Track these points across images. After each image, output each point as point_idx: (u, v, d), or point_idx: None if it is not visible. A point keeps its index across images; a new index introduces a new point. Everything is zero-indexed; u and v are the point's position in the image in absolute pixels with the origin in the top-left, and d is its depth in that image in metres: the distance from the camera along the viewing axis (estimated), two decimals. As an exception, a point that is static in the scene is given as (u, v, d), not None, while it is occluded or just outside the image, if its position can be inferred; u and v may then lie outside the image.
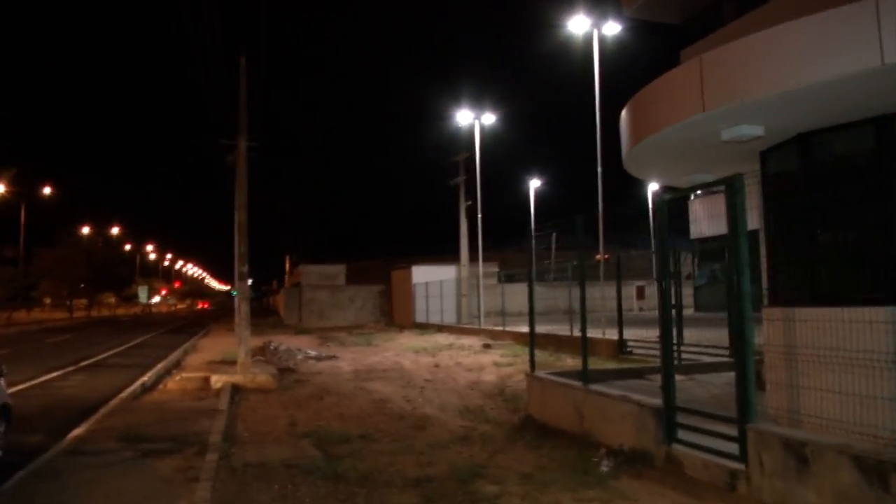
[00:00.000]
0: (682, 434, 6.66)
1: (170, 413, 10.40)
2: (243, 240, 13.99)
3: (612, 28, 19.21)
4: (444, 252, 45.57)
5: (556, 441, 8.19)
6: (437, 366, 17.54)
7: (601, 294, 24.53)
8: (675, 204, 7.73)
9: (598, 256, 19.04)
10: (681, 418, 6.73)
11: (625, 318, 19.49)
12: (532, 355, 10.23)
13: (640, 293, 46.15)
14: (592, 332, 19.42)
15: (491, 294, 31.14)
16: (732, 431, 6.03)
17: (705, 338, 13.99)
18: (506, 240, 66.22)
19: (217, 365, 15.85)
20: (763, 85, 5.68)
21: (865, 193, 6.48)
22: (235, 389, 12.47)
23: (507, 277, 28.79)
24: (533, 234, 10.35)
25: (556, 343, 20.78)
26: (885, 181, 6.33)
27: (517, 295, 31.08)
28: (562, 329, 21.79)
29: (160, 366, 16.42)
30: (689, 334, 15.63)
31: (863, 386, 5.91)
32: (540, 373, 10.00)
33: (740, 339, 5.84)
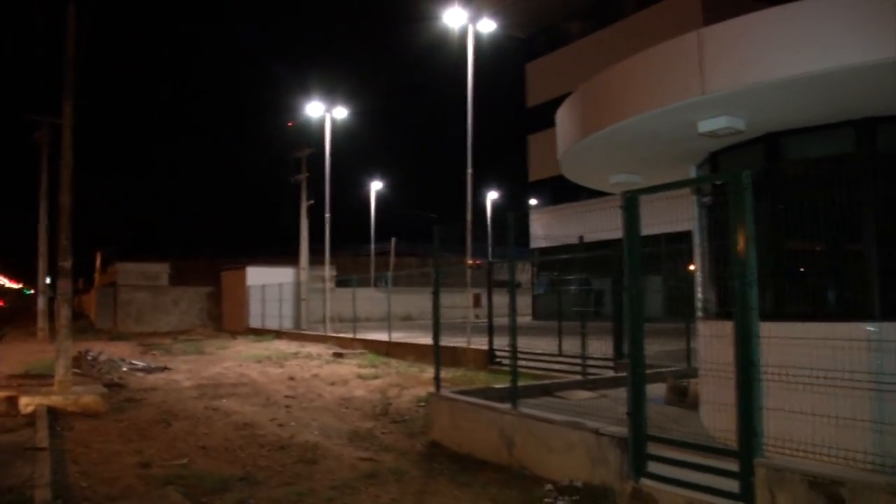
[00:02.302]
0: (652, 467, 5.76)
1: (-34, 454, 7.80)
2: (66, 229, 11.35)
3: (487, 25, 18.53)
4: (281, 253, 42.87)
5: (483, 475, 6.99)
6: (292, 378, 15.70)
7: (444, 301, 24.12)
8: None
9: (470, 262, 18.18)
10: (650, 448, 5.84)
11: (465, 327, 18.98)
12: (437, 372, 8.98)
13: (477, 301, 46.52)
14: (458, 342, 18.66)
15: (329, 299, 29.64)
16: (718, 463, 5.25)
17: (589, 348, 13.38)
18: (341, 244, 64.18)
19: (22, 380, 12.83)
20: (785, 67, 4.90)
21: (839, 201, 5.98)
22: (54, 415, 9.92)
23: (359, 282, 27.26)
24: (437, 236, 9.06)
25: (417, 352, 19.68)
26: (862, 188, 5.87)
27: (361, 301, 29.91)
28: (419, 338, 20.78)
29: (-59, 383, 13.00)
30: (563, 344, 15.27)
31: (840, 408, 5.40)
32: (447, 392, 8.77)
33: (745, 360, 5.01)
